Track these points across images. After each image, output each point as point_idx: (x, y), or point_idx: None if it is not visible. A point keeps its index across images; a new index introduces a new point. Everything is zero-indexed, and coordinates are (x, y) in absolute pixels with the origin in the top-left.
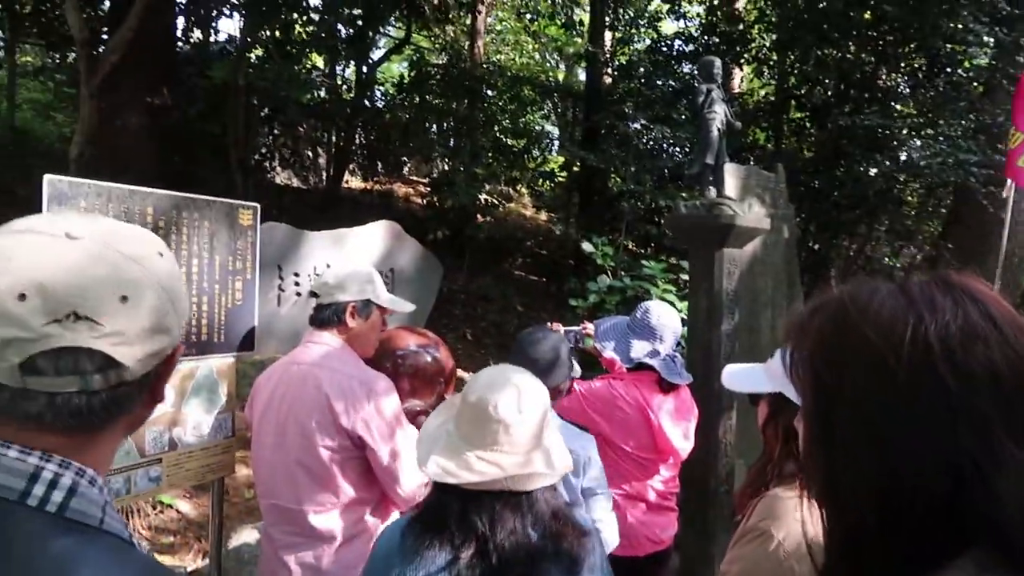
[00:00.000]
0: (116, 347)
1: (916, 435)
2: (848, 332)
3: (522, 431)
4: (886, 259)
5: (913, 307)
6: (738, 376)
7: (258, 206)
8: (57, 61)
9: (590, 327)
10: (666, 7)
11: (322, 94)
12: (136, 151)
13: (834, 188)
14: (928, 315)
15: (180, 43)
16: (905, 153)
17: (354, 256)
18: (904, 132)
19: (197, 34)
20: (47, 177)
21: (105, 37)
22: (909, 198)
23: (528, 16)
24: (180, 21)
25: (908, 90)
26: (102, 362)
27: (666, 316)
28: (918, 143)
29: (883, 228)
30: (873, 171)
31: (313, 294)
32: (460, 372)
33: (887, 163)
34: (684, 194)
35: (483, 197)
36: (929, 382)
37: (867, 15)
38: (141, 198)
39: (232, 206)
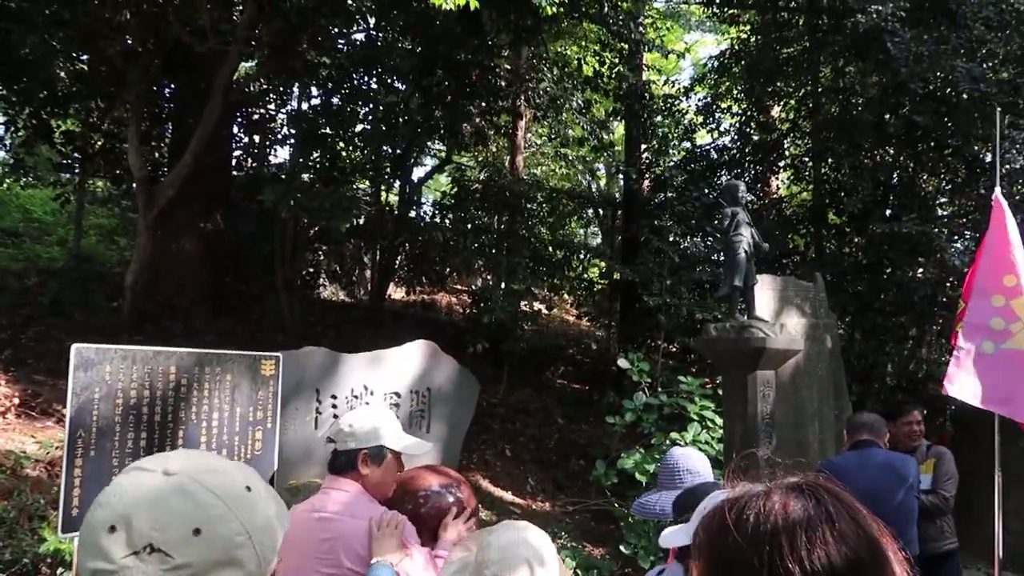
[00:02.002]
0: None
1: None
2: (725, 536)
3: None
4: (943, 359)
5: (771, 515)
6: (670, 536)
7: (280, 356)
8: (124, 188)
9: None
10: (700, 119)
11: (362, 220)
12: (190, 274)
13: (879, 294)
14: (782, 521)
15: (235, 171)
16: (950, 257)
17: (391, 377)
18: (945, 235)
19: (251, 162)
20: (74, 347)
21: (165, 170)
22: (960, 301)
23: (560, 141)
24: (236, 151)
25: (947, 196)
26: None
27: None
28: (959, 247)
29: (935, 331)
30: (920, 273)
31: (330, 440)
32: (499, 492)
33: (931, 268)
34: (718, 314)
35: (523, 308)
36: None
37: (897, 126)
38: (165, 358)
39: (255, 358)
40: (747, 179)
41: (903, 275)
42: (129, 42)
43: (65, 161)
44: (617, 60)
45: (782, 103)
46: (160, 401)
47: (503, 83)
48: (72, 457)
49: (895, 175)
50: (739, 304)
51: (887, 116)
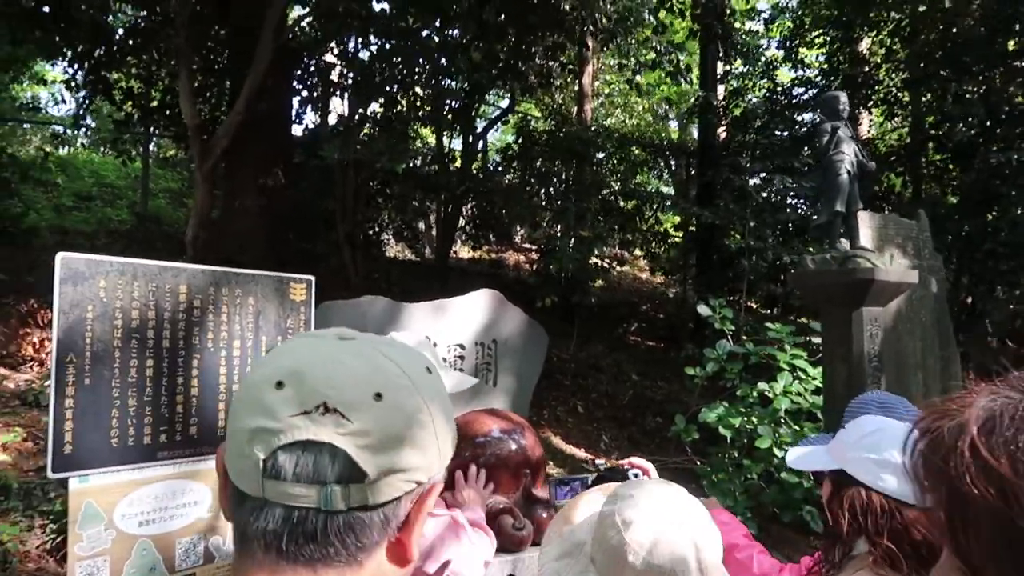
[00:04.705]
0: (360, 449)
1: None
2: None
3: None
4: None
5: None
6: (803, 457)
7: (312, 279)
8: (187, 146)
9: (641, 463)
10: (781, 54)
11: (418, 164)
12: (251, 231)
13: (987, 234)
14: None
15: (296, 124)
16: None
17: (455, 327)
18: None
19: (311, 115)
20: (60, 256)
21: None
22: None
23: (632, 67)
24: (296, 102)
25: None
26: (343, 467)
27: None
28: None
29: None
30: None
31: None
32: (572, 449)
33: None
34: (812, 248)
35: (594, 261)
36: None
37: (1012, 44)
38: (173, 275)
39: (282, 280)
40: None
41: (1017, 213)
42: None
43: (126, 117)
44: None
45: (873, 32)
46: (169, 324)
47: (566, 7)
48: (61, 386)
49: (1008, 101)
50: (840, 234)
51: (999, 35)
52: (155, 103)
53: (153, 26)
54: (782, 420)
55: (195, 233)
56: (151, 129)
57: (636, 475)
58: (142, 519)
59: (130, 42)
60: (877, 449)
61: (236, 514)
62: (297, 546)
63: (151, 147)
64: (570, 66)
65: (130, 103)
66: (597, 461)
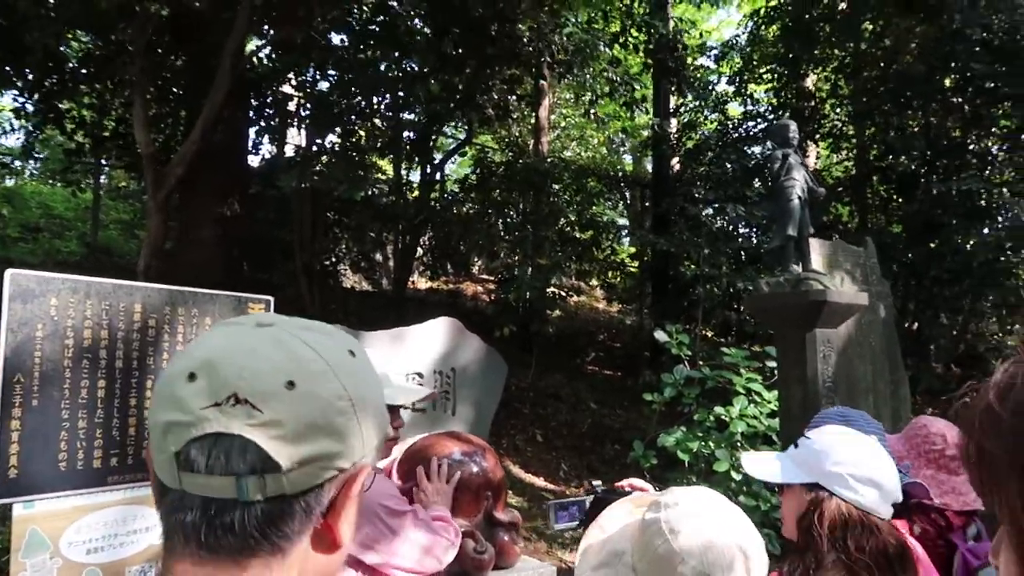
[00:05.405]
0: (272, 440)
1: None
2: None
3: None
4: (994, 337)
5: None
6: (762, 465)
7: (271, 299)
8: (140, 177)
9: (641, 483)
10: (731, 89)
11: (375, 194)
12: (205, 262)
13: (930, 262)
14: None
15: (252, 154)
16: (1007, 218)
17: (414, 356)
18: (1006, 195)
19: (268, 146)
20: (9, 272)
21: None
22: (1019, 269)
23: (588, 98)
24: (252, 133)
25: (1003, 154)
26: (255, 459)
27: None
28: None
29: (988, 303)
30: (972, 241)
31: None
32: (531, 478)
33: (987, 231)
34: (764, 275)
35: (551, 290)
36: None
37: (948, 80)
38: (127, 293)
39: (240, 300)
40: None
41: (958, 241)
42: None
43: (78, 147)
44: (644, 10)
45: (819, 68)
46: (122, 344)
47: (524, 40)
48: (7, 407)
49: (946, 134)
50: (792, 258)
51: (937, 72)
52: (108, 132)
53: (107, 54)
54: (739, 444)
55: (147, 263)
56: (103, 159)
57: None
58: (90, 547)
59: (83, 71)
60: (857, 464)
61: (159, 507)
62: (216, 538)
63: (102, 178)
64: (527, 98)
65: (82, 132)
66: (594, 482)
